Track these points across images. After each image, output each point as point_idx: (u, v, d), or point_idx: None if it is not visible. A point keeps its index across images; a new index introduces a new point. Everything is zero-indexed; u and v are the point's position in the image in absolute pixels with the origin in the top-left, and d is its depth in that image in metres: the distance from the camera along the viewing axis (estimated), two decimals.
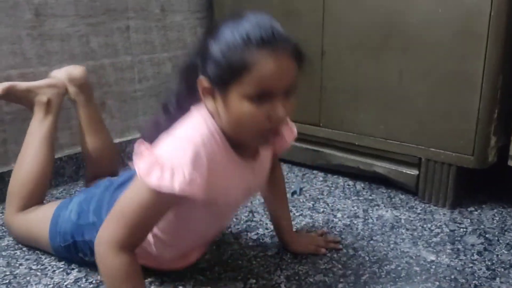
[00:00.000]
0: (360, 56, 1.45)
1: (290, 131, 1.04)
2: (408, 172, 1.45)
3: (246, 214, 1.34)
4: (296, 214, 1.35)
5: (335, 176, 1.63)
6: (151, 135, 0.85)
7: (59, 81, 1.31)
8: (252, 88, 0.77)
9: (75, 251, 1.05)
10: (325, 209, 1.39)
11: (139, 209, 0.80)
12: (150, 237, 0.94)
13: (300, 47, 0.83)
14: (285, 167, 1.72)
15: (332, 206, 1.41)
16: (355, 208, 1.40)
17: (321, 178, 1.62)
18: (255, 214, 1.35)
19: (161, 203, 0.81)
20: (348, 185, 1.57)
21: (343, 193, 1.51)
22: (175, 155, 0.78)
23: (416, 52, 1.33)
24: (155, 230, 0.93)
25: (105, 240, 0.81)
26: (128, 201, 0.82)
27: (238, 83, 0.77)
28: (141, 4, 1.69)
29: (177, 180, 0.76)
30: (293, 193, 1.49)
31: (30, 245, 1.16)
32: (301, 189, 1.52)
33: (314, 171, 1.68)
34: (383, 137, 1.47)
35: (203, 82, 0.82)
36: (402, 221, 1.32)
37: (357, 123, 1.51)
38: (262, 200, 1.42)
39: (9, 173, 1.25)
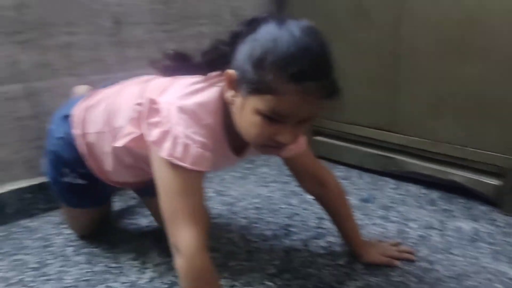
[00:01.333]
0: (439, 59, 1.38)
1: (297, 144, 0.97)
2: (489, 181, 1.36)
3: (315, 221, 1.33)
4: (367, 222, 1.31)
5: (408, 184, 1.57)
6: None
7: None
8: (269, 109, 0.76)
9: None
10: (397, 219, 1.34)
11: (184, 196, 0.82)
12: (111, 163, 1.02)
13: (336, 84, 0.78)
14: (354, 173, 1.68)
15: (405, 215, 1.36)
16: (430, 218, 1.34)
17: (392, 186, 1.57)
18: (323, 221, 1.33)
19: (196, 178, 0.84)
20: (422, 193, 1.50)
21: (416, 202, 1.44)
22: (190, 129, 0.82)
23: (500, 54, 1.25)
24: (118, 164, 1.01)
25: (184, 246, 0.81)
26: (170, 196, 0.84)
27: (260, 97, 0.76)
28: (214, 11, 1.73)
29: (190, 155, 0.81)
30: (364, 200, 1.45)
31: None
32: (372, 196, 1.47)
33: (386, 178, 1.62)
34: (462, 144, 1.39)
35: (231, 75, 0.81)
36: (482, 234, 1.24)
37: (433, 128, 1.44)
38: None
39: None
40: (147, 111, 0.85)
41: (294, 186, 1.56)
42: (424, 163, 1.51)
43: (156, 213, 0.98)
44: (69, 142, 1.06)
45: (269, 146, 0.82)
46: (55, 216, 1.40)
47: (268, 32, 0.77)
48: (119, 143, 0.92)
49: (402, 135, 1.53)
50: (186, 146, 0.81)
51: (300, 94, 0.74)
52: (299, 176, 1.11)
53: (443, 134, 1.43)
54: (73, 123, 1.06)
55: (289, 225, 1.30)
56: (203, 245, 0.82)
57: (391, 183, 1.59)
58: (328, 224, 1.30)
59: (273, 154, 0.89)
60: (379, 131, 1.59)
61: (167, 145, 0.81)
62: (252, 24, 0.80)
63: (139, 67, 1.55)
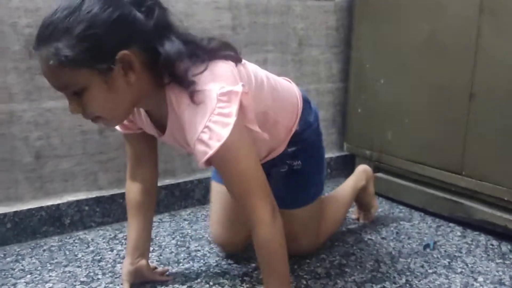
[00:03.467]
0: None
1: (202, 152, 0.83)
2: None
3: (371, 263, 1.25)
4: (429, 271, 1.21)
5: (476, 233, 1.45)
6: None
7: None
8: None
9: None
10: (463, 270, 1.23)
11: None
12: None
13: (57, 53, 0.75)
14: (416, 215, 1.58)
15: (472, 267, 1.24)
16: (500, 273, 1.21)
17: (459, 233, 1.45)
18: (381, 264, 1.24)
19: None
20: (492, 245, 1.38)
21: (485, 253, 1.32)
22: None
23: None
24: None
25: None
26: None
27: None
28: (281, 38, 1.72)
29: None
30: (426, 246, 1.35)
31: None
32: (435, 242, 1.37)
33: (451, 224, 1.51)
34: None
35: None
36: None
37: (506, 174, 1.33)
38: (390, 250, 1.32)
39: None
40: None
41: (351, 224, 1.49)
42: (496, 212, 1.39)
43: None
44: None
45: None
46: (109, 231, 1.41)
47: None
48: None
49: (471, 179, 1.42)
50: None
51: (39, 63, 0.78)
52: None
53: None
54: None
55: (343, 265, 1.23)
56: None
57: (457, 230, 1.48)
58: (385, 268, 1.22)
59: (104, 124, 0.92)
60: (446, 172, 1.49)
61: None
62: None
63: None
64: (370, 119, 1.73)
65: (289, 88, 1.14)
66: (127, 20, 0.79)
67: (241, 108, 0.83)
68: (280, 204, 0.91)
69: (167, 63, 0.82)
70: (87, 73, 0.78)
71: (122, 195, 1.44)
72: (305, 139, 1.16)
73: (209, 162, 0.84)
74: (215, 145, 0.80)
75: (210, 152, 0.81)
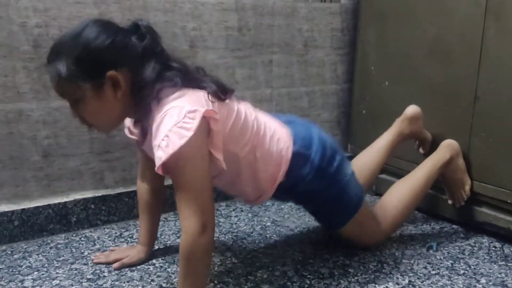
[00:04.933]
0: None
1: (159, 158, 0.90)
2: None
3: (375, 264, 1.26)
4: (432, 272, 1.22)
5: (479, 235, 1.46)
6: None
7: None
8: None
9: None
10: (466, 272, 1.23)
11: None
12: None
13: (56, 69, 0.92)
14: (420, 217, 1.59)
15: (474, 269, 1.25)
16: (503, 275, 1.22)
17: (462, 235, 1.46)
18: (384, 265, 1.25)
19: None
20: (495, 247, 1.38)
21: (488, 255, 1.33)
22: None
23: None
24: None
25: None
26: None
27: None
28: (286, 40, 1.73)
29: None
30: (429, 247, 1.35)
31: None
32: (438, 244, 1.38)
33: (454, 226, 1.52)
34: None
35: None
36: None
37: (510, 177, 1.34)
38: (393, 251, 1.32)
39: None
40: None
41: None
42: (499, 214, 1.40)
43: None
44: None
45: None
46: (114, 229, 1.43)
47: None
48: None
49: (476, 182, 1.43)
50: None
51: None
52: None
53: None
54: None
55: (346, 265, 1.24)
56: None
57: (460, 232, 1.48)
58: (388, 268, 1.23)
59: (101, 131, 1.09)
60: None
61: None
62: None
63: None
64: (375, 120, 1.74)
65: (280, 141, 1.12)
66: (118, 46, 0.94)
67: (210, 131, 0.94)
68: (328, 228, 1.27)
69: (142, 83, 0.95)
70: (82, 88, 0.93)
71: (128, 194, 1.45)
72: (303, 192, 1.18)
73: (165, 168, 0.91)
74: (169, 152, 0.88)
75: (164, 157, 0.88)
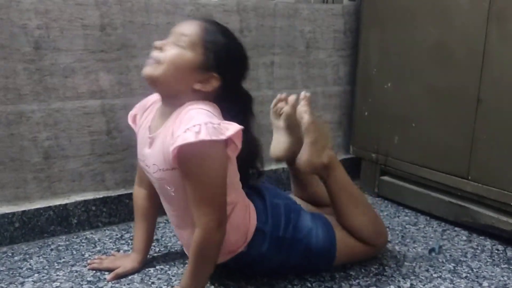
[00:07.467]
0: None
1: (183, 138, 0.89)
2: None
3: (376, 267, 1.25)
4: (434, 275, 1.21)
5: (481, 238, 1.45)
6: None
7: None
8: None
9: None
10: (468, 275, 1.23)
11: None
12: None
13: (206, 42, 1.00)
14: (422, 219, 1.58)
15: (477, 272, 1.24)
16: (505, 278, 1.21)
17: (464, 238, 1.45)
18: (386, 267, 1.24)
19: None
20: (497, 250, 1.38)
21: (490, 258, 1.32)
22: None
23: None
24: None
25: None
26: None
27: None
28: (288, 41, 1.73)
29: None
30: (431, 250, 1.35)
31: None
32: (440, 247, 1.37)
33: (457, 229, 1.51)
34: None
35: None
36: None
37: None
38: (395, 254, 1.32)
39: None
40: None
41: None
42: (502, 216, 1.39)
43: None
44: None
45: None
46: (115, 231, 1.43)
47: None
48: None
49: (477, 184, 1.42)
50: None
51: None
52: None
53: None
54: None
55: (348, 268, 1.24)
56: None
57: (463, 234, 1.47)
58: (390, 271, 1.22)
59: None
60: (452, 177, 1.49)
61: None
62: None
63: None
64: (377, 122, 1.73)
65: (246, 215, 1.09)
66: (234, 66, 1.04)
67: (228, 155, 0.95)
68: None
69: (221, 97, 1.02)
70: (198, 54, 0.98)
71: (129, 196, 1.45)
72: (270, 265, 1.14)
73: (181, 153, 0.89)
74: (199, 137, 0.87)
75: (191, 139, 0.87)
